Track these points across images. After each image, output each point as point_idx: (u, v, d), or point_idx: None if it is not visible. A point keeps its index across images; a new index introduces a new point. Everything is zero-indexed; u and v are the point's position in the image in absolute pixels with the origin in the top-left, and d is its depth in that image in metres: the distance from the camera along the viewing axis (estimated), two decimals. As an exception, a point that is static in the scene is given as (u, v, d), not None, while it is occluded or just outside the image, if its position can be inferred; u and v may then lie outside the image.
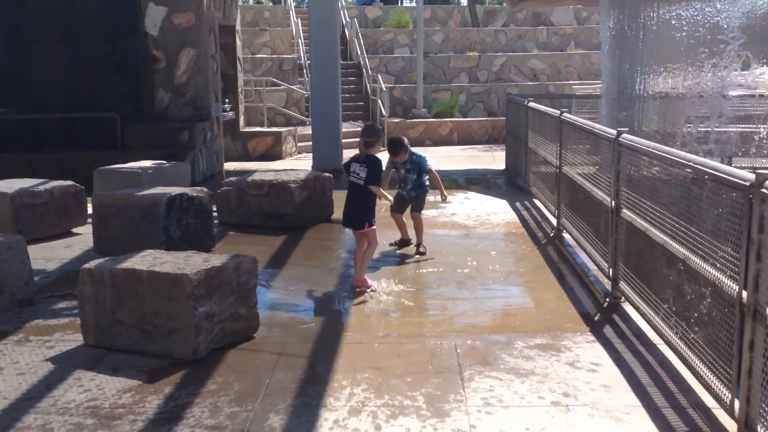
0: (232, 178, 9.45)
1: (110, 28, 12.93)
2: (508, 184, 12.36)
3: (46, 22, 12.82)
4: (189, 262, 5.24)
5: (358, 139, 6.99)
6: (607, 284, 6.46)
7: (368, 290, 6.53)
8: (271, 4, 31.47)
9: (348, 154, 15.17)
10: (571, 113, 11.08)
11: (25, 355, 5.23)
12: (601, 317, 5.97)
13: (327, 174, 9.58)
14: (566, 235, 8.33)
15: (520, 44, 23.48)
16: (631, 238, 5.85)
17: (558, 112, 8.74)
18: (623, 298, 6.10)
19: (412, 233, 8.05)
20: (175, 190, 7.71)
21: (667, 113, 11.88)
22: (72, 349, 5.34)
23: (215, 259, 5.33)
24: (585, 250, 7.33)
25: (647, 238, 5.39)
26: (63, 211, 8.66)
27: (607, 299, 6.30)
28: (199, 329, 5.02)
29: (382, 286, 6.69)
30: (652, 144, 5.39)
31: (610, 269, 6.32)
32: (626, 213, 5.90)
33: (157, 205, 7.40)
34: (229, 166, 14.70)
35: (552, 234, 8.68)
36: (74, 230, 8.88)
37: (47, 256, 7.87)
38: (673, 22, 11.82)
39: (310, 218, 9.12)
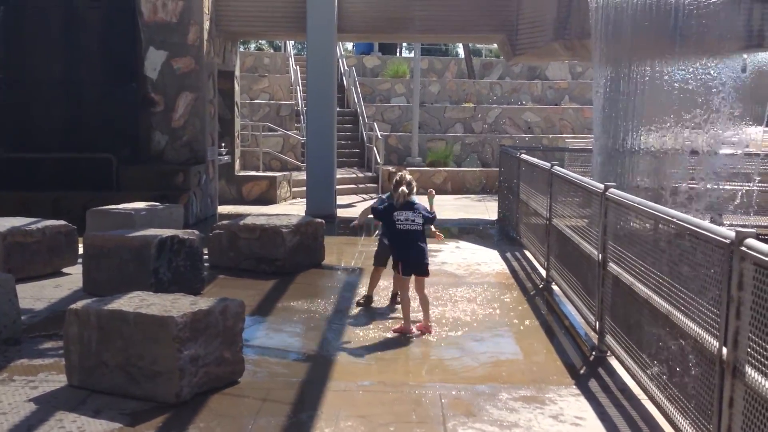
0: (224, 222, 9.51)
1: (110, 71, 13.11)
2: (499, 235, 12.42)
3: (47, 63, 12.99)
4: (176, 305, 5.25)
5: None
6: (594, 337, 6.48)
7: (427, 334, 6.70)
8: (272, 51, 31.87)
9: (342, 199, 15.33)
10: (564, 166, 11.20)
11: (8, 394, 5.20)
12: (587, 370, 5.98)
13: (319, 219, 9.64)
14: (555, 287, 8.37)
15: (515, 97, 23.78)
16: (617, 291, 5.89)
17: (549, 164, 8.85)
18: (609, 351, 6.11)
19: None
20: (166, 233, 7.75)
21: (658, 169, 12.01)
22: (56, 389, 5.32)
23: (202, 302, 5.35)
24: (573, 303, 7.36)
25: (632, 293, 5.43)
26: (54, 250, 8.68)
27: (594, 353, 6.31)
28: (183, 372, 5.02)
29: (369, 335, 6.69)
30: (638, 199, 5.47)
31: (597, 322, 6.35)
32: (613, 267, 5.95)
33: (148, 247, 7.43)
34: (224, 209, 14.75)
35: (541, 285, 8.72)
36: (65, 270, 8.89)
37: (36, 295, 7.86)
38: (665, 78, 12.02)
39: (301, 263, 9.15)
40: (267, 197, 16.06)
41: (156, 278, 7.47)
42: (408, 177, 7.05)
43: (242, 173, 16.72)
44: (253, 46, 41.12)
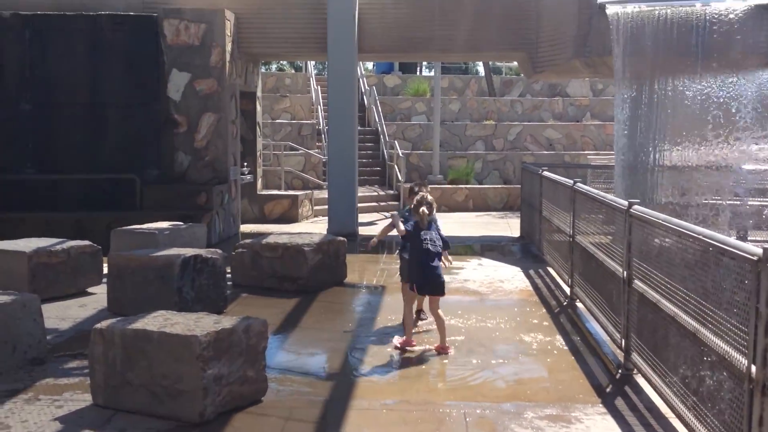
0: (247, 241, 9.54)
1: (133, 92, 13.24)
2: (522, 252, 12.36)
3: (72, 84, 13.15)
4: (199, 324, 5.27)
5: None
6: (620, 355, 6.41)
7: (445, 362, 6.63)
8: (293, 71, 32.08)
9: (364, 217, 15.35)
10: (586, 183, 11.16)
11: (33, 414, 5.23)
12: (613, 389, 5.91)
13: (341, 238, 9.65)
14: (579, 304, 8.30)
15: (536, 114, 23.76)
16: (643, 309, 5.84)
17: (571, 181, 8.81)
18: (635, 369, 6.05)
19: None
20: (189, 252, 7.79)
21: (682, 185, 11.93)
22: (81, 408, 5.34)
23: (225, 321, 5.36)
24: (598, 320, 7.30)
25: (658, 310, 5.38)
26: (79, 270, 8.75)
27: (620, 371, 6.24)
28: (207, 391, 5.02)
29: (392, 353, 6.67)
30: (663, 216, 5.43)
31: (623, 340, 6.29)
32: (638, 284, 5.90)
33: (172, 266, 7.47)
34: (246, 228, 14.82)
35: (565, 303, 8.65)
36: (89, 290, 8.95)
37: (61, 315, 7.92)
38: (688, 93, 11.97)
39: (323, 281, 9.16)
40: (289, 216, 16.11)
41: (179, 297, 7.50)
42: (429, 198, 7.06)
43: (264, 192, 16.79)
44: (274, 66, 41.43)
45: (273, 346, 6.79)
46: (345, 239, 9.70)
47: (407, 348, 6.74)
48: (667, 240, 5.35)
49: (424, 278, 6.84)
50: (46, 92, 13.14)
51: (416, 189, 7.49)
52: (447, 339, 6.82)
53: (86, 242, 8.98)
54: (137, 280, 7.68)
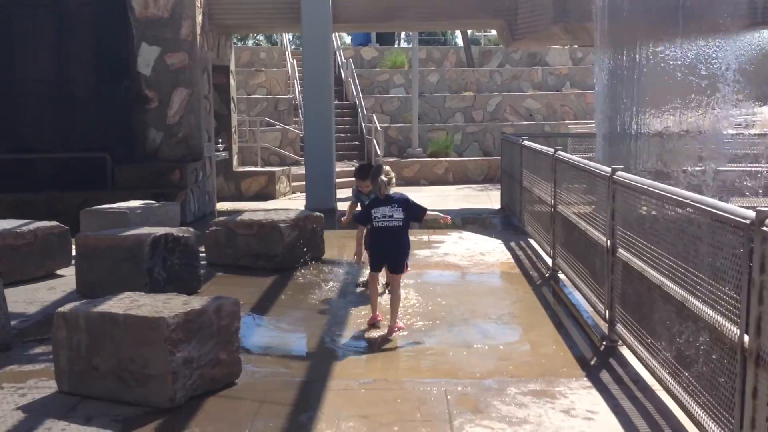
0: (221, 218, 9.28)
1: (102, 68, 12.88)
2: (503, 224, 12.19)
3: (38, 62, 12.76)
4: (168, 305, 5.03)
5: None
6: (604, 327, 6.25)
7: (404, 332, 6.37)
8: (269, 45, 31.58)
9: (342, 193, 15.09)
10: (567, 152, 10.94)
11: (-5, 403, 4.99)
12: (598, 361, 5.75)
13: (318, 213, 9.41)
14: (562, 276, 8.13)
15: (516, 84, 23.52)
16: (627, 279, 5.66)
17: (552, 150, 8.61)
18: (620, 341, 5.89)
19: None
20: (159, 231, 7.53)
21: (663, 152, 11.77)
22: (45, 396, 5.11)
23: (195, 302, 5.13)
24: (581, 292, 7.13)
25: (644, 279, 5.20)
26: (47, 252, 8.47)
27: (604, 342, 6.08)
28: (177, 375, 4.80)
29: (370, 330, 6.47)
30: (648, 181, 5.23)
31: (607, 311, 6.12)
32: (622, 253, 5.71)
33: (141, 246, 7.21)
34: (222, 206, 14.55)
35: (547, 274, 8.49)
36: (59, 272, 8.67)
37: (29, 298, 7.65)
38: (669, 59, 11.77)
39: (300, 258, 8.93)
40: (266, 193, 15.84)
41: (151, 278, 7.25)
42: (386, 167, 6.62)
43: (240, 169, 16.50)
44: (251, 42, 40.85)
45: (248, 326, 6.58)
46: (322, 215, 9.46)
47: (374, 325, 6.50)
48: (652, 206, 5.16)
49: (375, 255, 6.58)
50: (12, 69, 12.73)
51: (363, 172, 7.28)
52: (426, 313, 6.60)
53: (54, 223, 8.69)
54: (106, 261, 7.41)
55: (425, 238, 10.77)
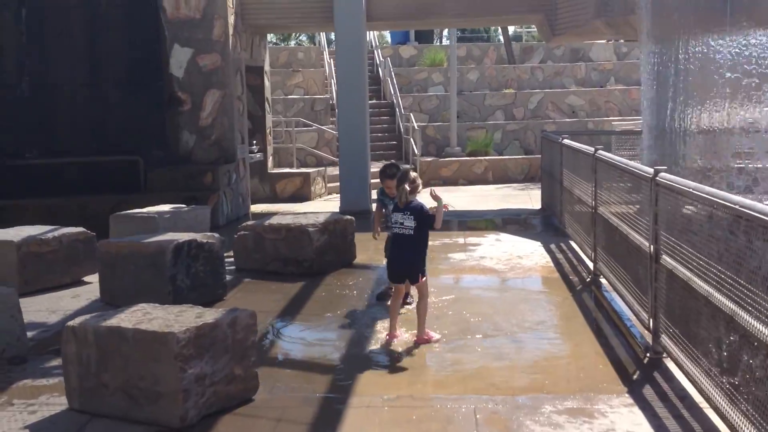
0: (250, 222, 9.06)
1: (135, 70, 12.77)
2: (543, 225, 11.77)
3: (71, 64, 12.70)
4: (180, 319, 4.78)
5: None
6: (648, 337, 5.84)
7: (436, 343, 6.03)
8: (312, 45, 31.39)
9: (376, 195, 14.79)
10: (611, 150, 10.51)
11: (3, 421, 4.80)
12: (641, 375, 5.36)
13: (348, 217, 9.11)
14: (604, 281, 7.72)
15: (558, 81, 22.96)
16: (672, 287, 5.25)
17: (592, 149, 8.20)
18: (665, 353, 5.48)
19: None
20: (183, 237, 7.31)
21: (711, 149, 11.23)
22: (55, 414, 4.90)
23: (209, 315, 4.87)
24: (624, 299, 6.72)
25: (690, 289, 4.80)
26: (72, 259, 8.32)
27: (648, 354, 5.68)
28: (188, 393, 4.54)
29: (398, 342, 6.15)
30: (694, 184, 4.83)
31: (651, 320, 5.71)
32: (666, 260, 5.31)
33: (163, 253, 7.00)
34: (257, 208, 14.35)
35: (588, 279, 8.08)
36: (86, 278, 8.52)
37: (52, 307, 7.50)
38: (717, 54, 11.23)
39: (330, 263, 8.66)
40: (301, 194, 15.61)
41: (174, 286, 7.04)
42: (413, 174, 6.28)
43: (275, 171, 16.29)
44: (293, 42, 40.80)
45: (270, 337, 6.32)
46: (353, 218, 9.15)
47: (392, 341, 6.13)
48: (698, 211, 4.76)
49: (389, 262, 6.38)
50: (44, 73, 12.70)
51: (389, 171, 6.97)
52: (458, 321, 6.25)
53: (80, 229, 8.54)
54: (129, 268, 7.22)
55: (461, 240, 10.42)
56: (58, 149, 12.57)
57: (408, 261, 6.11)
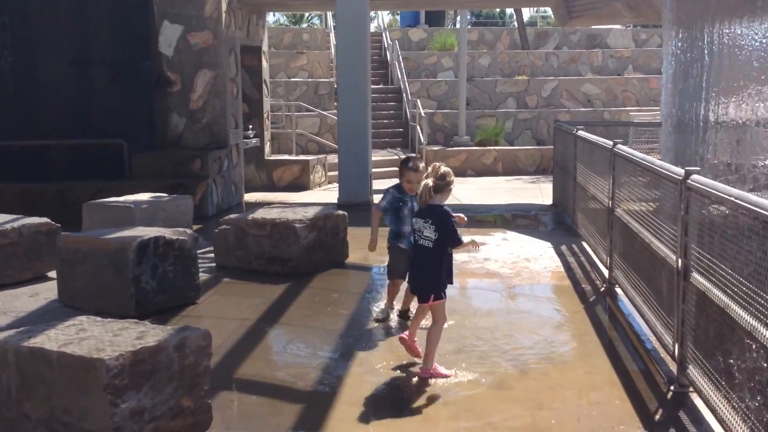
0: (231, 216, 8.26)
1: (122, 48, 12.00)
2: (554, 222, 10.95)
3: (54, 41, 11.93)
4: (117, 339, 4.01)
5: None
6: (672, 365, 5.04)
7: (445, 380, 5.00)
8: (314, 25, 30.53)
9: (381, 184, 13.98)
10: (627, 143, 9.68)
11: None
12: (664, 415, 4.57)
13: (340, 212, 8.30)
14: (620, 290, 6.91)
15: (573, 68, 22.05)
16: (704, 311, 4.45)
17: (611, 143, 7.37)
18: (692, 387, 4.68)
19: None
20: (150, 233, 6.53)
21: (739, 144, 10.38)
22: (-30, 448, 4.15)
23: (151, 335, 4.08)
24: (643, 316, 5.90)
25: (726, 316, 4.00)
26: (34, 252, 7.56)
27: (671, 387, 4.88)
28: (121, 431, 3.78)
29: (383, 362, 5.36)
30: (736, 192, 4.00)
31: (676, 347, 4.91)
32: (697, 278, 4.50)
33: (125, 251, 6.22)
34: (251, 197, 13.59)
35: (602, 288, 7.26)
36: (50, 274, 7.76)
37: (5, 307, 6.74)
38: (746, 40, 10.36)
39: (319, 263, 7.86)
40: (300, 183, 14.83)
41: (137, 288, 6.27)
42: (444, 169, 5.15)
43: (273, 157, 15.50)
44: (305, 24, 39.84)
45: (239, 353, 5.55)
46: (345, 213, 8.34)
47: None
48: (740, 224, 3.94)
49: (409, 273, 5.47)
50: (26, 50, 11.93)
51: (411, 163, 6.10)
52: (452, 338, 5.46)
53: (43, 220, 7.77)
54: (88, 267, 6.46)
55: (464, 239, 9.60)
56: (38, 131, 11.82)
57: (424, 276, 5.10)
